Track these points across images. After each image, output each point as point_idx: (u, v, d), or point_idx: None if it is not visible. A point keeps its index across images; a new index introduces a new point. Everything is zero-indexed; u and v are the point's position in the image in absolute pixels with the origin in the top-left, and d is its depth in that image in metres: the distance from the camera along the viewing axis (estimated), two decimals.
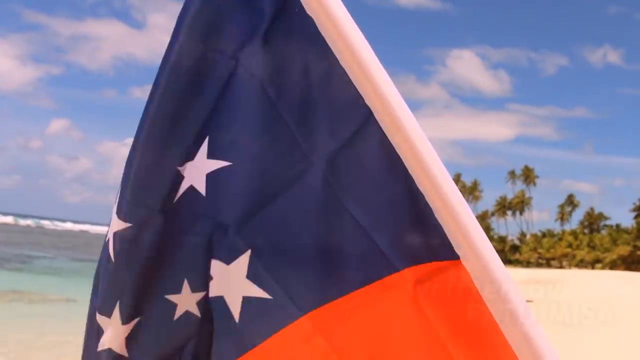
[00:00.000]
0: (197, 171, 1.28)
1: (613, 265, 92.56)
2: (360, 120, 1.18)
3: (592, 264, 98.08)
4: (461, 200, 1.10)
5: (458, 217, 1.09)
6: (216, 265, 1.27)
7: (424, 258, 1.13)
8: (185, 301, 1.32)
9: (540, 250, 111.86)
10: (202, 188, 1.28)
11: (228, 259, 1.25)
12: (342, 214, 1.18)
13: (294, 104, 1.23)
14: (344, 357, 1.15)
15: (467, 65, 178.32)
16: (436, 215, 1.12)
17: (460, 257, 1.10)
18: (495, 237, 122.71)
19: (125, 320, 1.34)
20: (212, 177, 1.27)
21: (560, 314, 24.22)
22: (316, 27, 1.20)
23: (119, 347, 1.36)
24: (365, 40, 1.19)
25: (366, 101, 1.17)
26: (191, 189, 1.28)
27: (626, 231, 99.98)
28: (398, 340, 1.14)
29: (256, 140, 1.25)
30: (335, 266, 1.19)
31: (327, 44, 1.20)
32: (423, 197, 1.12)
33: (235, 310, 1.24)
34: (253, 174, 1.24)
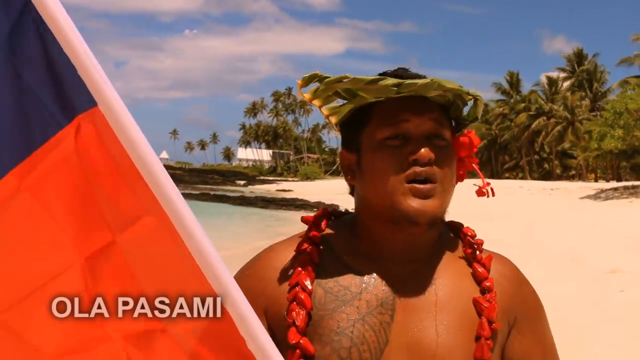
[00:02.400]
0: None
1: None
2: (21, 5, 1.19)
3: None
4: (88, 52, 1.19)
5: (88, 69, 1.18)
6: None
7: (75, 110, 1.21)
8: None
9: None
10: None
11: None
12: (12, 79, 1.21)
13: None
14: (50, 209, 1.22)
15: None
16: (76, 69, 1.19)
17: (98, 104, 1.20)
18: (327, 149, 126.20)
19: None
20: None
21: None
22: None
23: None
24: None
25: None
26: None
27: None
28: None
29: None
30: (19, 127, 1.22)
31: None
32: (66, 56, 1.19)
33: None
34: None
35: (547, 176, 75.72)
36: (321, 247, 1.44)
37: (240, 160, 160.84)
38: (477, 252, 1.45)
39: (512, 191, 42.43)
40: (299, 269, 1.39)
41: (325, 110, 1.45)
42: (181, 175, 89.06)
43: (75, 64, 1.21)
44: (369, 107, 1.40)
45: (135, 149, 1.20)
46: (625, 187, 36.08)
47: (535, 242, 16.31)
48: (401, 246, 1.41)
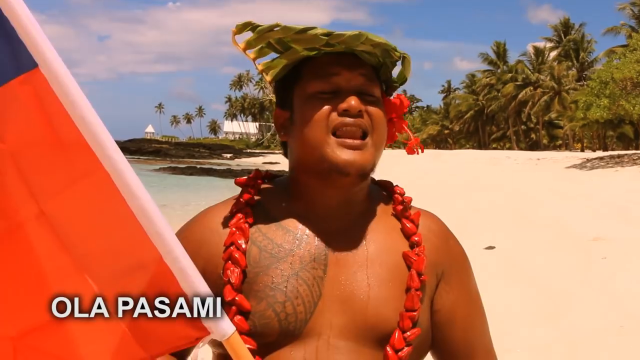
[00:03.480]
0: None
1: (424, 144, 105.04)
2: None
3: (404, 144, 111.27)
4: (27, 12, 1.18)
5: (28, 29, 1.17)
6: None
7: (11, 73, 1.21)
8: None
9: None
10: None
11: None
12: None
13: None
14: None
15: None
16: (17, 31, 1.18)
17: (38, 65, 1.19)
18: None
19: None
20: None
21: None
22: None
23: None
24: None
25: None
26: None
27: (435, 112, 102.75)
28: None
29: None
30: None
31: None
32: (6, 18, 1.18)
33: None
34: None
35: (534, 146, 75.98)
36: (256, 208, 1.47)
37: (226, 133, 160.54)
38: (406, 209, 1.51)
39: (498, 161, 42.61)
40: (233, 229, 1.43)
41: (259, 65, 1.47)
42: (167, 149, 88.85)
43: (15, 25, 1.19)
44: (302, 64, 1.44)
45: (76, 110, 1.19)
46: (611, 157, 36.25)
47: (520, 211, 16.41)
48: (333, 202, 1.45)
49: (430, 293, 1.47)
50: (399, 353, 1.38)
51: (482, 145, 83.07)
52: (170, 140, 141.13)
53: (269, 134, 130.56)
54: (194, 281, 1.25)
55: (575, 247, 10.97)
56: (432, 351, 1.52)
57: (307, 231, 1.44)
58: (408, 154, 1.56)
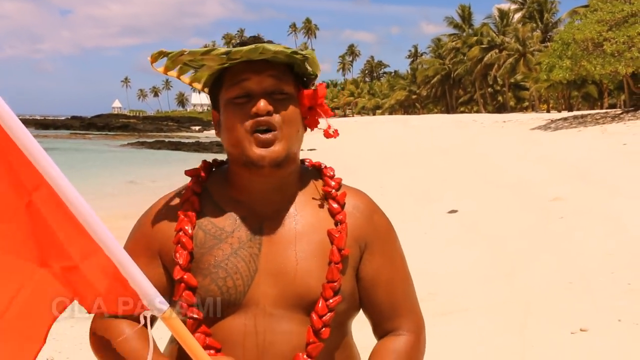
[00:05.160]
0: None
1: (392, 110, 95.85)
2: None
3: (373, 110, 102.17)
4: None
5: None
6: None
7: None
8: None
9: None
10: None
11: None
12: None
13: None
14: None
15: None
16: None
17: None
18: None
19: None
20: None
21: (343, 160, 22.93)
22: None
23: None
24: None
25: None
26: None
27: (402, 77, 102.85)
28: None
29: None
30: None
31: None
32: None
33: None
34: None
35: (501, 109, 76.34)
36: (202, 195, 1.68)
37: (194, 105, 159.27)
38: (334, 190, 1.70)
39: (465, 125, 42.92)
40: (182, 216, 1.64)
41: (187, 78, 1.68)
42: (135, 123, 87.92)
43: None
44: (224, 72, 1.62)
45: (19, 141, 1.35)
46: (575, 117, 36.68)
47: (484, 174, 16.68)
48: (264, 188, 1.64)
49: (354, 264, 1.66)
50: (323, 318, 1.58)
51: (450, 109, 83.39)
52: (138, 114, 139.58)
53: None
54: (130, 269, 1.43)
55: (534, 207, 11.23)
56: (363, 312, 1.72)
57: (245, 214, 1.64)
58: (326, 138, 1.70)
